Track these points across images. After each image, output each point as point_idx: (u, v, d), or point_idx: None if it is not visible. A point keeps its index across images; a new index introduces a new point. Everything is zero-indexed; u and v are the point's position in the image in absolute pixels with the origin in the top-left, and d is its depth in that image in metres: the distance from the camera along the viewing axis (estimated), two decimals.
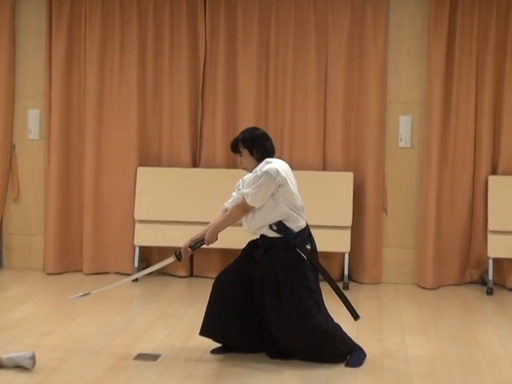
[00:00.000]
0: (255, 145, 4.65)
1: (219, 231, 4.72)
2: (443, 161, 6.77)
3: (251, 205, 4.56)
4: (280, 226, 4.57)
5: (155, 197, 6.91)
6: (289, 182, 4.57)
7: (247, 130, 4.76)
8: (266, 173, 4.51)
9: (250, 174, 4.68)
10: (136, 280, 6.80)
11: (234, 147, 4.71)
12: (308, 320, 4.55)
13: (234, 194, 4.81)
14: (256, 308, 4.68)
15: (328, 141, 6.89)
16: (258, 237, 4.73)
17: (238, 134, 4.78)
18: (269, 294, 4.58)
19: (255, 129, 4.84)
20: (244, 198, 4.59)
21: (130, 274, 6.84)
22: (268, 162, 4.59)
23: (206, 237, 4.70)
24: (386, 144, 6.90)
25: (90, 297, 6.19)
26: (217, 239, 4.73)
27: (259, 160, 4.64)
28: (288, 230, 4.58)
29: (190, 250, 4.81)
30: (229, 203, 4.78)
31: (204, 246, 4.80)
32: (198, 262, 7.07)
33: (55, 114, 7.00)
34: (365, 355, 4.70)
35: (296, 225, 4.60)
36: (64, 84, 7.01)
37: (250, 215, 4.63)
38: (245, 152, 4.67)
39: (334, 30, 6.80)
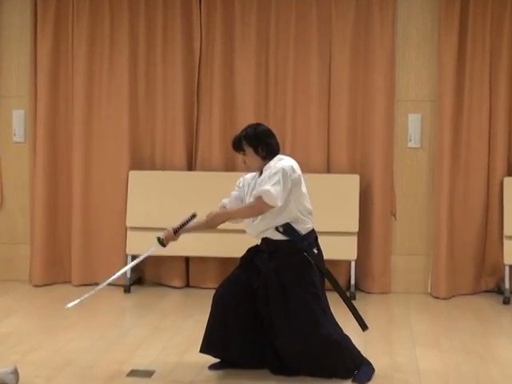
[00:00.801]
0: (260, 142, 4.63)
1: (223, 221, 4.71)
2: (455, 162, 6.77)
3: (271, 204, 4.46)
4: (287, 228, 4.57)
5: (148, 202, 6.91)
6: (302, 181, 4.60)
7: (250, 127, 4.72)
8: (282, 170, 4.49)
9: (253, 174, 4.70)
10: (129, 291, 6.80)
11: (237, 145, 4.68)
12: (316, 329, 4.54)
13: (233, 193, 4.80)
14: (259, 320, 4.66)
15: (332, 141, 6.90)
16: (259, 241, 4.72)
17: (240, 131, 4.75)
18: (274, 302, 4.57)
19: (258, 125, 4.79)
20: (261, 197, 4.48)
21: (122, 285, 6.87)
22: (280, 159, 4.60)
23: (209, 219, 4.67)
24: (394, 144, 6.90)
25: (79, 310, 6.20)
26: (215, 228, 4.74)
27: (264, 159, 4.63)
28: (295, 232, 4.58)
29: (172, 233, 4.76)
30: (226, 202, 4.80)
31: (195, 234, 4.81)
32: (195, 272, 7.08)
33: (41, 115, 7.01)
34: (373, 370, 4.70)
35: (303, 227, 4.61)
36: (50, 83, 7.02)
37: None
38: (249, 150, 4.64)
39: (338, 22, 6.81)
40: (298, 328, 4.51)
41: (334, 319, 4.71)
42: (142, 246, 6.87)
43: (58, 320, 5.98)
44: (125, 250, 6.95)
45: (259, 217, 4.59)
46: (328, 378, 4.59)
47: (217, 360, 4.85)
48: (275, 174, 4.48)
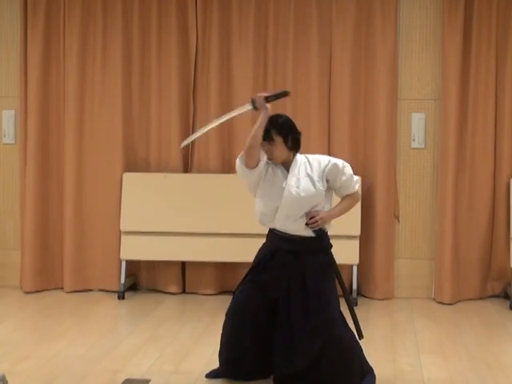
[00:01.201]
0: (290, 132, 4.65)
1: (334, 217, 4.69)
2: (460, 162, 6.77)
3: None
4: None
5: (143, 205, 6.91)
6: None
7: (279, 116, 4.70)
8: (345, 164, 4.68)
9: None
10: (123, 297, 6.80)
11: (266, 133, 4.60)
12: (336, 329, 4.56)
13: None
14: (270, 332, 4.66)
15: (333, 142, 6.89)
16: (276, 241, 4.67)
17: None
18: (295, 303, 4.58)
19: (285, 115, 4.78)
20: (354, 190, 4.71)
21: (116, 292, 6.86)
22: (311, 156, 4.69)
23: (321, 221, 4.57)
24: (397, 145, 6.91)
25: (72, 317, 6.21)
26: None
27: (290, 150, 4.63)
28: (323, 230, 4.65)
29: (263, 97, 4.67)
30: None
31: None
32: (191, 278, 7.07)
33: (32, 116, 7.00)
34: (375, 379, 4.70)
35: (326, 225, 4.68)
36: (41, 82, 7.01)
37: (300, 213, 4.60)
38: (278, 140, 4.61)
39: (339, 20, 6.81)
40: (318, 327, 4.51)
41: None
42: (137, 250, 6.92)
43: (49, 327, 5.97)
44: (119, 255, 6.94)
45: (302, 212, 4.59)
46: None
47: (213, 369, 4.86)
48: (344, 165, 4.66)
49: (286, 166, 4.65)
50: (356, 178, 4.74)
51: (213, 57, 6.93)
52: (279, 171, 4.65)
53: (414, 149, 6.93)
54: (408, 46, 6.89)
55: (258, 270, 4.67)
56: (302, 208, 4.56)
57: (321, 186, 4.59)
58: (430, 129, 6.91)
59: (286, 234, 4.62)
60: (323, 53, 6.86)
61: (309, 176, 4.59)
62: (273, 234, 4.69)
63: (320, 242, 4.62)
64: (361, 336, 4.76)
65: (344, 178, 4.65)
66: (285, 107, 6.77)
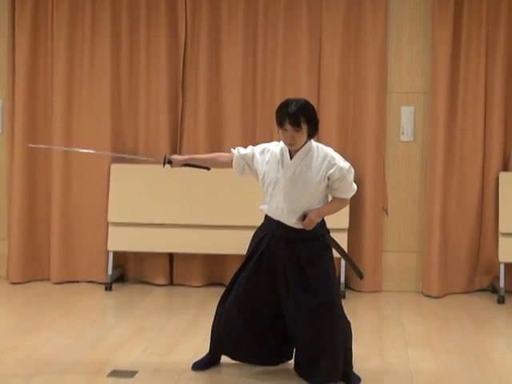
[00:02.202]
0: (315, 120, 4.57)
1: (322, 216, 4.67)
2: (449, 156, 6.79)
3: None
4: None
5: (131, 197, 6.89)
6: None
7: (306, 102, 4.55)
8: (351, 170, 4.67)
9: (277, 152, 4.65)
10: (110, 289, 6.79)
11: (298, 120, 4.46)
12: (335, 309, 4.61)
13: (249, 147, 4.78)
14: (270, 315, 4.71)
15: (322, 134, 6.84)
16: (270, 227, 4.67)
17: (289, 103, 4.52)
18: (293, 285, 4.59)
19: (307, 101, 4.61)
20: (347, 197, 4.70)
21: (103, 283, 6.86)
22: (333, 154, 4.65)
23: (307, 225, 4.54)
24: (386, 138, 6.91)
25: (59, 308, 6.21)
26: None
27: (309, 137, 4.56)
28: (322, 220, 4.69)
29: (180, 160, 4.78)
30: (237, 149, 4.79)
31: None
32: (179, 269, 7.06)
33: (19, 106, 6.97)
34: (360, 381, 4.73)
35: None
36: (29, 72, 6.97)
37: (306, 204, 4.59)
38: (304, 128, 4.49)
39: (328, 13, 6.79)
40: (318, 306, 4.54)
41: None
42: (125, 241, 6.91)
43: (36, 318, 5.96)
44: (106, 246, 6.93)
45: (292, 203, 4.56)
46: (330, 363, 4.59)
47: (199, 359, 4.88)
48: (351, 176, 4.63)
49: (293, 152, 4.59)
50: (354, 186, 4.70)
51: (202, 50, 6.91)
52: (281, 158, 4.61)
53: (402, 142, 6.94)
54: (398, 39, 6.89)
55: (256, 256, 4.67)
56: (294, 200, 4.54)
57: (317, 182, 4.55)
58: (419, 122, 6.92)
59: (276, 220, 4.61)
60: (313, 46, 6.84)
61: (309, 167, 4.55)
62: (267, 217, 4.69)
63: (313, 232, 4.59)
64: (361, 276, 4.81)
65: (343, 183, 4.61)
66: (274, 100, 6.77)
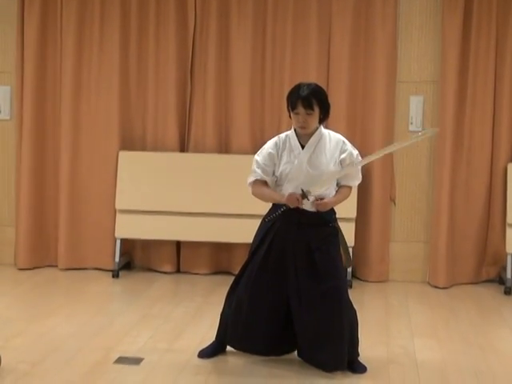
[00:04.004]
0: (327, 104, 4.62)
1: (334, 206, 4.70)
2: (458, 146, 6.77)
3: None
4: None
5: (138, 184, 6.90)
6: None
7: (317, 85, 4.62)
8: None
9: (284, 142, 4.65)
10: (117, 276, 6.81)
11: (311, 102, 4.50)
12: (345, 294, 4.65)
13: (265, 178, 4.69)
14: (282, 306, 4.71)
15: (330, 124, 6.84)
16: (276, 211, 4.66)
17: (300, 87, 4.56)
18: (302, 275, 4.61)
19: (319, 85, 4.68)
20: (353, 185, 4.75)
21: (110, 270, 6.88)
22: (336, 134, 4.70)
23: (321, 208, 4.56)
24: (394, 127, 6.90)
25: (66, 294, 6.24)
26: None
27: (320, 122, 4.60)
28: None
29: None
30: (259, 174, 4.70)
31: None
32: (186, 257, 7.07)
33: (28, 92, 6.98)
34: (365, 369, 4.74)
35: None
36: (38, 59, 6.97)
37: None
38: (317, 111, 4.54)
39: (338, 2, 6.76)
40: (326, 293, 4.56)
41: None
42: (132, 229, 6.93)
43: (43, 305, 5.98)
44: (114, 234, 6.94)
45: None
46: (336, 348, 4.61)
47: (205, 347, 4.90)
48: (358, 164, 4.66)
49: (306, 138, 4.61)
50: (360, 175, 4.78)
51: (211, 40, 6.89)
52: (293, 145, 4.62)
53: (411, 132, 6.91)
54: (407, 28, 6.87)
55: (267, 244, 4.66)
56: (309, 185, 4.54)
57: (332, 167, 4.59)
58: (427, 112, 6.90)
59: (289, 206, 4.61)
60: (322, 36, 6.82)
61: (324, 153, 4.58)
62: (276, 206, 4.68)
63: (323, 217, 4.62)
64: (348, 263, 4.83)
65: (352, 169, 4.65)
66: (283, 90, 6.76)
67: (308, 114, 4.51)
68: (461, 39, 6.68)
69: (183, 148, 7.05)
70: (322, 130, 4.65)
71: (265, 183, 4.70)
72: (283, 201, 4.55)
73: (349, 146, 4.68)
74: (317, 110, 4.53)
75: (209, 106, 6.94)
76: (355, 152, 4.68)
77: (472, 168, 6.82)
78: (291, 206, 4.53)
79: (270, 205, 4.74)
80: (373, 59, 6.81)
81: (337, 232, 4.70)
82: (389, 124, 6.84)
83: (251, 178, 4.71)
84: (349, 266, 4.93)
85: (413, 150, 6.91)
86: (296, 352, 4.83)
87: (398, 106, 6.90)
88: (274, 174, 4.68)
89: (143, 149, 7.05)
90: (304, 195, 4.52)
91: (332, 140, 4.65)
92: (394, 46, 6.81)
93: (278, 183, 4.70)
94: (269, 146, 4.72)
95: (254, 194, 4.74)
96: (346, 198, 4.76)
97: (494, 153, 6.80)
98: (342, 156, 4.62)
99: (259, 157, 4.71)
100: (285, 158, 4.64)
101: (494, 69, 6.73)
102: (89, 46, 6.99)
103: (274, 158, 4.66)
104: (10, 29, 7.09)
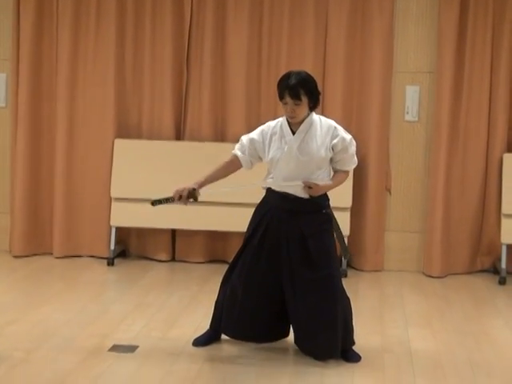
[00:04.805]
0: (316, 93, 4.61)
1: (328, 190, 4.69)
2: (454, 136, 6.77)
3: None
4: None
5: (134, 172, 6.90)
6: None
7: (306, 74, 4.61)
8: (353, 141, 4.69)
9: (276, 128, 4.65)
10: (112, 264, 6.83)
11: (298, 92, 4.49)
12: (339, 280, 4.67)
13: (244, 152, 4.72)
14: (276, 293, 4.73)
15: (326, 113, 6.85)
16: (273, 200, 4.67)
17: (288, 76, 4.57)
18: (297, 263, 4.62)
19: (308, 74, 4.65)
20: (348, 169, 4.72)
21: (105, 258, 6.88)
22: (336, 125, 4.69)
23: (313, 192, 4.57)
24: (390, 117, 6.90)
25: (61, 282, 6.24)
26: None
27: (310, 110, 4.59)
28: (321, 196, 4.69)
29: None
30: (236, 149, 4.74)
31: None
32: (181, 246, 7.08)
33: (24, 80, 6.95)
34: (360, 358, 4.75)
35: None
36: (34, 45, 6.95)
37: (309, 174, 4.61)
38: (305, 100, 4.53)
39: None
40: (320, 280, 4.57)
41: None
42: (127, 217, 6.92)
43: (38, 292, 5.98)
44: (109, 222, 6.94)
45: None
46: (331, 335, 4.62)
47: (200, 335, 4.90)
48: (353, 148, 4.66)
49: (296, 124, 4.60)
50: (356, 159, 4.74)
51: (207, 27, 6.87)
52: (284, 132, 4.62)
53: (407, 122, 6.92)
54: (404, 18, 6.86)
55: (260, 232, 4.67)
56: (300, 171, 4.56)
57: (323, 153, 4.57)
58: (423, 102, 6.90)
59: (281, 192, 4.62)
60: (319, 25, 6.81)
61: (314, 140, 4.57)
62: (269, 192, 4.70)
63: (317, 203, 4.63)
64: (346, 254, 4.91)
65: (345, 154, 4.65)
66: (278, 76, 6.73)
67: (296, 105, 4.51)
68: (457, 30, 6.67)
69: (179, 136, 7.04)
70: (314, 116, 4.64)
71: (236, 159, 4.76)
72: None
73: (341, 131, 4.65)
74: (305, 100, 4.52)
75: (205, 94, 6.93)
76: (348, 137, 4.64)
77: (467, 158, 6.82)
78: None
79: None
80: (369, 49, 6.80)
81: (330, 219, 4.70)
82: (385, 114, 6.84)
83: (236, 147, 4.77)
84: (346, 258, 4.93)
85: (408, 139, 6.91)
86: (291, 340, 4.84)
87: (395, 96, 6.90)
88: (256, 157, 4.71)
89: (139, 137, 7.04)
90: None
91: (323, 126, 4.64)
92: (391, 36, 6.80)
93: (269, 170, 4.70)
94: (255, 132, 4.73)
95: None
96: (341, 182, 4.73)
97: (490, 143, 6.80)
98: (334, 141, 4.60)
99: (244, 137, 4.75)
100: (276, 144, 4.62)
101: (490, 60, 6.73)
102: (85, 34, 6.97)
103: (255, 144, 4.67)
104: (6, 16, 7.06)
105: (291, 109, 4.52)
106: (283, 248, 4.64)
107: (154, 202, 4.76)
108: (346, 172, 4.76)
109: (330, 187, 4.67)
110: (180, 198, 4.73)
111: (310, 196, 4.59)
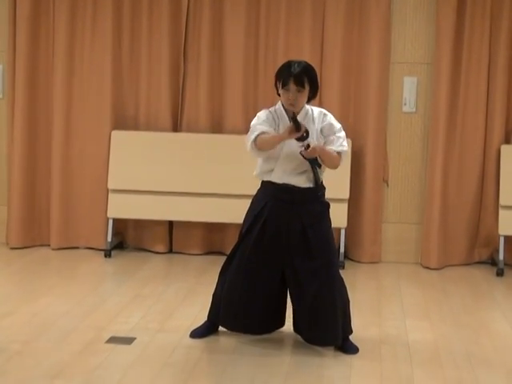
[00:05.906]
0: (317, 83, 4.62)
1: (319, 154, 4.57)
2: (451, 127, 6.77)
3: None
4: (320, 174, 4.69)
5: (131, 164, 6.89)
6: None
7: (307, 63, 4.61)
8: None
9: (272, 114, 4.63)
10: (109, 256, 6.81)
11: (302, 80, 4.50)
12: (336, 272, 4.68)
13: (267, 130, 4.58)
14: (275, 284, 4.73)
15: (324, 104, 6.84)
16: (272, 191, 4.65)
17: (291, 64, 4.56)
18: (297, 252, 4.61)
19: (309, 63, 4.66)
20: (341, 155, 4.67)
21: (102, 250, 6.87)
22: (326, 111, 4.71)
23: (308, 154, 4.47)
24: (388, 108, 6.89)
25: (58, 274, 6.23)
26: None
27: (308, 101, 4.60)
28: (318, 163, 4.63)
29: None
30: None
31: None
32: (178, 237, 7.07)
33: (20, 70, 6.93)
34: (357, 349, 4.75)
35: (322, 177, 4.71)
36: (30, 37, 6.92)
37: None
38: (307, 89, 4.53)
39: None
40: (318, 268, 4.58)
41: None
42: (125, 209, 6.92)
43: (35, 284, 5.97)
44: (106, 213, 6.93)
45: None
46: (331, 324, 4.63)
47: (197, 327, 4.90)
48: (342, 133, 4.69)
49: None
50: (346, 143, 4.68)
51: (204, 18, 6.84)
52: (279, 122, 4.61)
53: (405, 113, 6.91)
54: (402, 9, 6.84)
55: (260, 224, 4.65)
56: (300, 162, 4.55)
57: (317, 139, 4.58)
58: (421, 93, 6.89)
59: (282, 184, 4.61)
60: (316, 16, 6.79)
61: (310, 128, 4.54)
62: (268, 184, 4.67)
63: (316, 193, 4.64)
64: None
65: (333, 137, 4.65)
66: (275, 67, 6.71)
67: (299, 92, 4.52)
68: (455, 21, 6.65)
69: (176, 127, 7.03)
70: (307, 106, 4.65)
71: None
72: (286, 136, 4.45)
73: (329, 117, 4.68)
74: (307, 88, 4.53)
75: (202, 86, 6.91)
76: (338, 125, 4.67)
77: (465, 149, 6.81)
78: (292, 136, 4.43)
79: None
80: (367, 40, 6.78)
81: (327, 207, 4.72)
82: (382, 105, 6.83)
83: (251, 137, 4.55)
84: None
85: (406, 131, 6.91)
86: (288, 330, 4.85)
87: (392, 87, 6.89)
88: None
89: (136, 128, 7.02)
90: (294, 119, 4.42)
91: (315, 114, 4.66)
92: (388, 26, 6.78)
93: (263, 162, 4.68)
94: (262, 114, 4.66)
95: (259, 148, 4.55)
96: (332, 158, 4.62)
97: (488, 135, 6.79)
98: (322, 125, 4.63)
99: (255, 121, 4.64)
100: (281, 130, 4.58)
101: (488, 50, 6.71)
102: (82, 25, 6.95)
103: (270, 120, 4.62)
104: (2, 6, 7.04)
105: (294, 96, 4.52)
106: (283, 239, 4.63)
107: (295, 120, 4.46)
108: (337, 153, 4.65)
109: (324, 154, 4.57)
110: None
111: (304, 157, 4.51)
